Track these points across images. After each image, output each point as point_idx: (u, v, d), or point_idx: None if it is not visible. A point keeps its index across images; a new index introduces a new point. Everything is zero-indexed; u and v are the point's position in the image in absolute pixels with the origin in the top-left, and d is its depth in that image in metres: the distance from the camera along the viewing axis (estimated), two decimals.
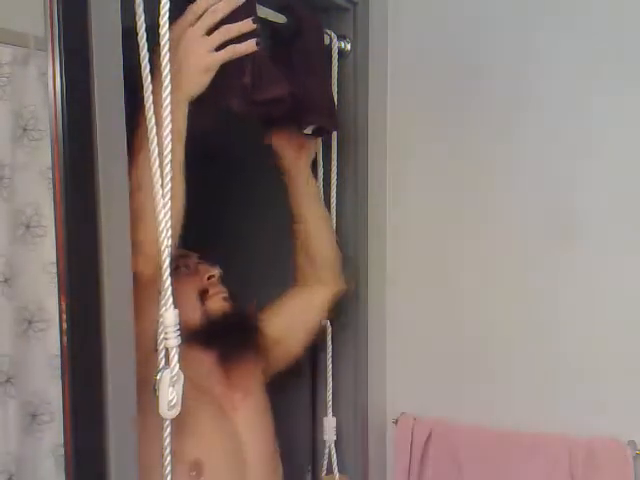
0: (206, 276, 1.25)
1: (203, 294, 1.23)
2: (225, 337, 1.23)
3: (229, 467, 1.17)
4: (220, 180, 1.57)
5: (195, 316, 1.20)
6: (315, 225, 1.39)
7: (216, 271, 1.26)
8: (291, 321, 1.40)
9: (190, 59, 0.96)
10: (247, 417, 1.23)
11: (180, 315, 1.08)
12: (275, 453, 1.29)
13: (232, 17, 0.98)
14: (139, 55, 0.92)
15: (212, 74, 0.97)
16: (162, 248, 0.94)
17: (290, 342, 1.40)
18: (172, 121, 0.94)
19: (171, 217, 0.94)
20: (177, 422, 1.01)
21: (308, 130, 1.28)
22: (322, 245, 1.40)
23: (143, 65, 0.92)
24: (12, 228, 0.88)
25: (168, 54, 0.92)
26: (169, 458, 0.99)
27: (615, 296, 1.43)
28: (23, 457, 0.90)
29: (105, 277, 0.91)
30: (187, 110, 0.98)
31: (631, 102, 1.40)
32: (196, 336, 1.18)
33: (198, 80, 0.97)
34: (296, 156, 1.36)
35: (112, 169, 0.91)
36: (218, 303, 1.24)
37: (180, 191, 0.99)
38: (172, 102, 0.94)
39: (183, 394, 0.97)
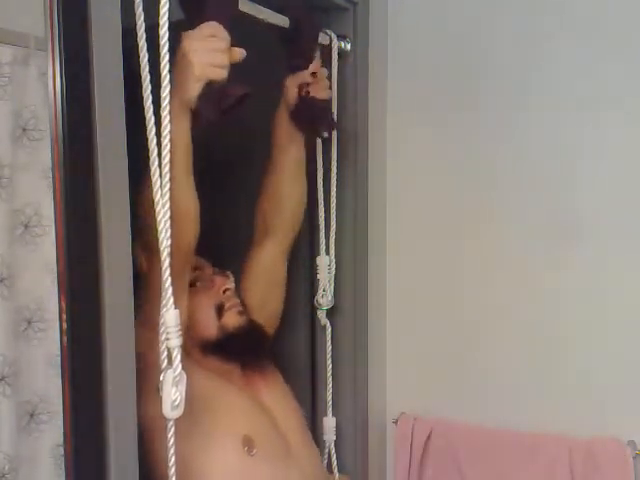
0: (222, 289, 1.28)
1: (219, 308, 1.27)
2: (243, 349, 1.29)
3: (271, 439, 1.24)
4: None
5: (212, 330, 1.25)
6: (290, 176, 1.39)
7: (231, 284, 1.30)
8: (267, 282, 1.41)
9: (191, 67, 0.98)
10: (271, 397, 1.32)
11: (197, 328, 1.20)
12: (302, 420, 1.38)
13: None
14: (139, 55, 0.92)
15: (202, 84, 0.99)
16: (162, 248, 0.94)
17: (272, 301, 1.43)
18: (174, 126, 0.96)
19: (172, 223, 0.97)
20: (220, 409, 1.18)
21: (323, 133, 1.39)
22: (293, 198, 1.40)
23: (142, 65, 0.92)
24: (11, 228, 0.88)
25: (167, 55, 0.92)
26: (174, 458, 0.99)
27: (616, 296, 1.43)
28: (20, 456, 0.90)
29: (105, 277, 0.91)
30: (189, 117, 1.01)
31: (633, 101, 1.39)
32: (215, 349, 1.25)
33: (192, 86, 0.99)
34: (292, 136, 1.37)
35: (112, 169, 0.91)
36: (234, 318, 1.28)
37: (191, 197, 1.03)
38: (173, 106, 0.96)
39: (187, 393, 0.98)
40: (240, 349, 1.28)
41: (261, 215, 1.41)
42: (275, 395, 1.33)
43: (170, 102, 0.95)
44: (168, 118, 0.93)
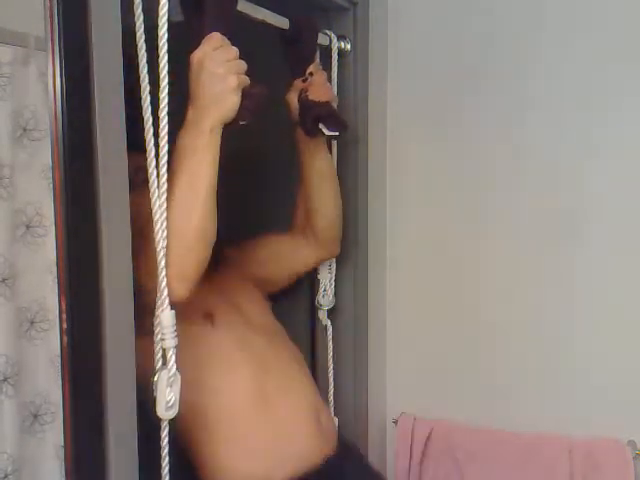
0: None
1: None
2: None
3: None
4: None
5: None
6: (322, 191, 1.42)
7: None
8: (277, 255, 1.46)
9: (219, 81, 0.98)
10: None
11: None
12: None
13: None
14: (138, 55, 0.92)
15: (240, 94, 0.99)
16: (158, 249, 0.95)
17: (275, 272, 1.47)
18: (208, 145, 0.98)
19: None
20: None
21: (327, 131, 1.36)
22: (327, 211, 1.43)
23: (141, 66, 0.92)
24: (13, 228, 0.88)
25: (167, 55, 0.92)
26: (167, 459, 0.99)
27: (616, 296, 1.43)
28: (24, 457, 0.90)
29: (105, 277, 0.91)
30: (221, 134, 1.00)
31: (634, 101, 1.39)
32: None
33: (231, 100, 0.99)
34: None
35: (112, 169, 0.92)
36: None
37: (213, 213, 1.03)
38: (206, 126, 0.97)
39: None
40: None
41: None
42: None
43: (195, 127, 0.97)
44: (166, 119, 0.94)
